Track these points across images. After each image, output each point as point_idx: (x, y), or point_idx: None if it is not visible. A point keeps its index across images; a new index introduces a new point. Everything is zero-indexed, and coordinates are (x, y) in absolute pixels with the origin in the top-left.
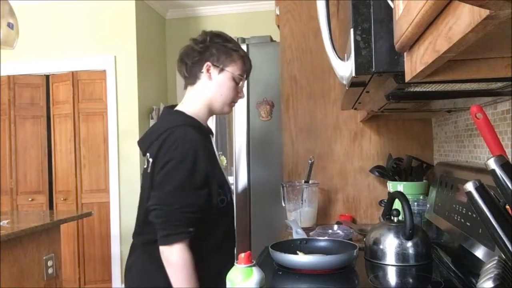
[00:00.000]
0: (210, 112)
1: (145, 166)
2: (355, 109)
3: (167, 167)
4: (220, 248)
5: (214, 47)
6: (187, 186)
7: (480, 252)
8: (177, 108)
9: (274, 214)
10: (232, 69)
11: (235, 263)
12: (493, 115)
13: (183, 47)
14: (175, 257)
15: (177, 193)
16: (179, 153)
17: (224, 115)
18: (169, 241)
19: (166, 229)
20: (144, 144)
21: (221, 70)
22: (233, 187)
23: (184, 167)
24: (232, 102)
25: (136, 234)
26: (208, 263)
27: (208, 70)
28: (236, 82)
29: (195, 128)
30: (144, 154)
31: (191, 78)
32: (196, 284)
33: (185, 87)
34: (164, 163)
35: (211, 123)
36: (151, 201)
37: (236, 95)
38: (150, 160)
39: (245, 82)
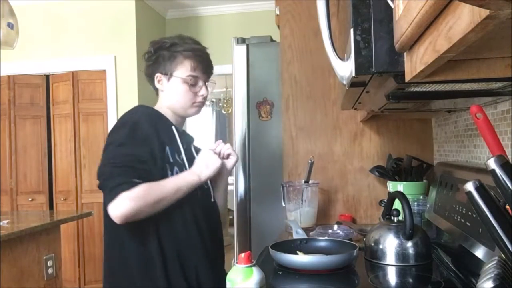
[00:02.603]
0: (179, 116)
1: None
2: (355, 109)
3: (110, 133)
4: (185, 239)
5: (160, 57)
6: (127, 142)
7: (480, 252)
8: None
9: (274, 214)
10: (179, 73)
11: (235, 263)
12: (493, 115)
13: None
14: (124, 210)
15: (119, 148)
16: (121, 119)
17: (225, 116)
18: (114, 194)
19: (110, 183)
20: None
21: (170, 76)
22: (233, 187)
23: (124, 128)
24: (193, 104)
25: None
26: (169, 251)
27: (159, 81)
28: (189, 83)
29: (147, 110)
30: None
31: (154, 90)
32: (167, 187)
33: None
34: (109, 132)
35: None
36: (99, 162)
37: (193, 96)
38: None
39: (203, 78)
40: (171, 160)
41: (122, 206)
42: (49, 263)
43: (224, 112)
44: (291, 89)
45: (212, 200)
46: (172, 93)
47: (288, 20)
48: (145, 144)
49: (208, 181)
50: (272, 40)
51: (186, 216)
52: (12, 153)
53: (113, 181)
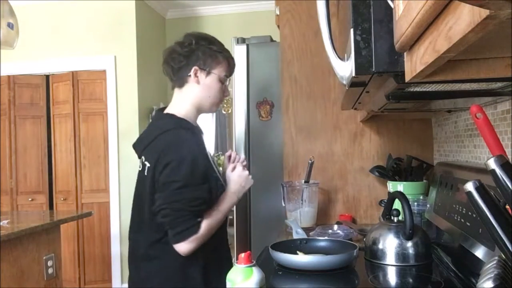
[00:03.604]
0: (199, 113)
1: (140, 169)
2: (355, 109)
3: (168, 169)
4: (215, 247)
5: (200, 50)
6: (190, 183)
7: (480, 252)
8: (167, 110)
9: (274, 214)
10: (218, 71)
11: (235, 263)
12: (493, 115)
13: (167, 49)
14: (192, 248)
15: (182, 190)
16: (177, 154)
17: (225, 116)
18: (183, 237)
19: (178, 226)
20: (139, 147)
21: (208, 73)
22: None
23: (183, 166)
24: (219, 102)
25: (138, 235)
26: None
27: (195, 74)
28: (222, 82)
29: (187, 129)
30: (139, 157)
31: (178, 81)
32: (219, 216)
33: (172, 88)
34: (164, 165)
35: (211, 123)
36: (157, 203)
37: (222, 95)
38: (147, 163)
39: (230, 80)
40: (214, 179)
41: (191, 246)
42: (49, 263)
43: (224, 112)
44: (291, 89)
45: None
46: (207, 89)
47: (288, 20)
48: (204, 181)
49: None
50: (272, 40)
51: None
52: (12, 153)
53: (180, 226)
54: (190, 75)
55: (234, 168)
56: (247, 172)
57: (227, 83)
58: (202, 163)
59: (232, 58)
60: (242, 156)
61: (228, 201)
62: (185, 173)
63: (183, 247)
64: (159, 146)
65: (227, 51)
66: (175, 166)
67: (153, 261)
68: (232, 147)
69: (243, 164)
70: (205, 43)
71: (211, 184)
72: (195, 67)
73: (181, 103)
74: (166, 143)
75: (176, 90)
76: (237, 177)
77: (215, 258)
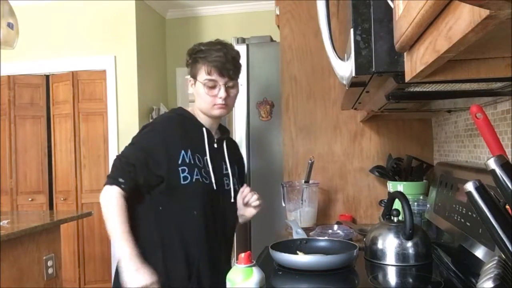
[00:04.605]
0: (209, 116)
1: None
2: (355, 109)
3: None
4: (189, 233)
5: (189, 63)
6: (136, 142)
7: (480, 252)
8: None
9: (274, 214)
10: (200, 77)
11: (235, 263)
12: (493, 115)
13: None
14: (102, 196)
15: (128, 146)
16: (151, 123)
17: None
18: (106, 183)
19: (111, 171)
20: None
21: (195, 81)
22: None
23: (144, 131)
24: (213, 106)
25: None
26: (170, 242)
27: (191, 85)
28: (208, 86)
29: (180, 114)
30: None
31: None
32: (122, 228)
33: None
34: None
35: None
36: None
37: (212, 98)
38: None
39: (223, 81)
40: (191, 163)
41: (102, 194)
42: (49, 263)
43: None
44: (291, 89)
45: (232, 201)
46: (197, 96)
47: (288, 20)
48: (151, 153)
49: (231, 183)
50: (272, 40)
51: (195, 210)
52: (12, 153)
53: (112, 171)
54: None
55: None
56: (137, 276)
57: (218, 85)
58: (163, 138)
59: (216, 60)
60: (255, 196)
61: (119, 245)
62: (139, 135)
63: (101, 193)
64: None
65: (211, 55)
66: (141, 129)
67: None
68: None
69: (252, 201)
70: (192, 52)
71: (169, 163)
72: (189, 77)
73: (193, 110)
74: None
75: None
76: (129, 270)
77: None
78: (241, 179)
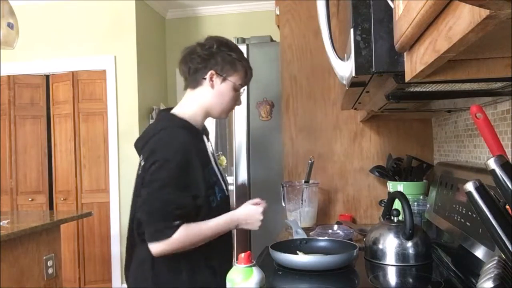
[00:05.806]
0: (207, 116)
1: (138, 167)
2: (355, 109)
3: (154, 166)
4: (214, 249)
5: (219, 56)
6: (170, 184)
7: (480, 252)
8: (173, 110)
9: (274, 214)
10: (234, 79)
11: (235, 263)
12: (493, 115)
13: (187, 48)
14: (163, 249)
15: (162, 190)
16: (165, 153)
17: None
18: (155, 238)
19: (152, 225)
20: (138, 146)
21: (224, 79)
22: (233, 187)
23: (169, 166)
24: (230, 110)
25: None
26: (202, 263)
27: (211, 78)
28: (236, 91)
29: (185, 129)
30: (139, 156)
31: (192, 82)
32: (210, 230)
33: (185, 88)
34: (151, 163)
35: (211, 123)
36: (140, 200)
37: (234, 103)
38: (142, 162)
39: (244, 90)
40: (211, 182)
41: (163, 248)
42: (49, 263)
43: None
44: (291, 89)
45: (233, 206)
46: (221, 95)
47: (288, 20)
48: (189, 187)
49: (226, 188)
50: (272, 40)
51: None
52: (12, 153)
53: (154, 225)
54: (205, 78)
55: (256, 204)
56: (261, 217)
57: (242, 91)
58: (191, 167)
59: (250, 69)
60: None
61: (223, 220)
62: (168, 174)
63: (154, 247)
64: (152, 144)
65: (246, 61)
66: (159, 166)
67: (145, 262)
68: (232, 147)
69: (263, 209)
70: (226, 49)
71: (199, 190)
72: (212, 71)
73: (191, 104)
74: (158, 141)
75: (188, 91)
76: (252, 212)
77: (206, 268)
78: None
